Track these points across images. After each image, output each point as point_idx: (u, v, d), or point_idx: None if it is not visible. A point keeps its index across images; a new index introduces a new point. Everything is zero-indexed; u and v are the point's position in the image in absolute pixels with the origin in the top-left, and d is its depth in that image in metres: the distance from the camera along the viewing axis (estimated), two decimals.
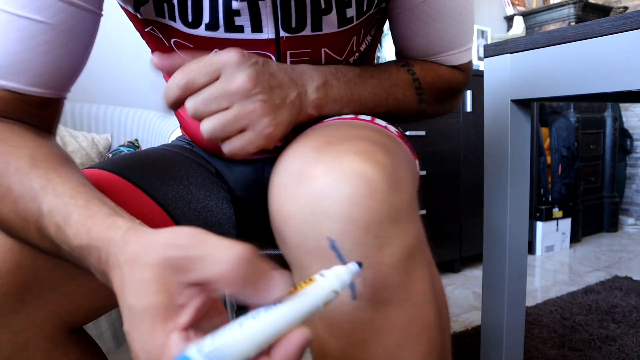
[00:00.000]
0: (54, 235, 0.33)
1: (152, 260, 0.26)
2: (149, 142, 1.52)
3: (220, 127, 0.38)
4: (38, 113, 0.42)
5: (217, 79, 0.38)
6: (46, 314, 0.41)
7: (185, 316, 0.26)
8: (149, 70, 1.70)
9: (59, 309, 0.42)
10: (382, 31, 0.61)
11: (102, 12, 0.44)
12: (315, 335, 0.35)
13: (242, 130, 0.39)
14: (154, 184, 0.53)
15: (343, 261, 0.32)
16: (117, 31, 1.31)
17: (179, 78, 0.38)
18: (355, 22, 0.50)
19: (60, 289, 0.42)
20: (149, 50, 0.55)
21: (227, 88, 0.38)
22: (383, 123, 0.49)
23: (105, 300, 0.46)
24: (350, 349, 0.34)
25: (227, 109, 0.38)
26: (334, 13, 0.48)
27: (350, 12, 0.49)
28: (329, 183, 0.33)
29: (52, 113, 0.44)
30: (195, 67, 0.38)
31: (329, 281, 0.28)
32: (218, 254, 0.25)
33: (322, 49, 0.51)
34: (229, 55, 0.38)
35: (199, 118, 0.39)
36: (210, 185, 0.59)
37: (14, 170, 0.36)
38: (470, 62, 0.61)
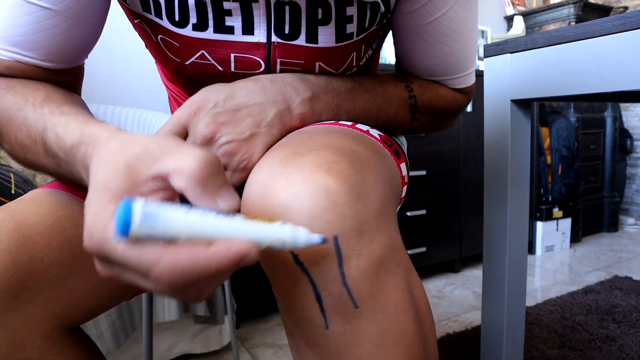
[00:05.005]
0: (54, 145, 0.37)
1: (129, 152, 0.29)
2: None
3: None
4: (58, 78, 0.46)
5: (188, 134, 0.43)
6: (43, 313, 0.41)
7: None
8: (148, 71, 1.70)
9: (56, 308, 0.42)
10: (383, 42, 0.59)
11: None
12: (295, 344, 0.37)
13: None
14: None
15: (308, 275, 0.32)
16: (116, 31, 1.31)
17: None
18: (355, 39, 0.48)
19: (57, 288, 0.42)
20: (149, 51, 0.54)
21: (194, 142, 0.43)
22: (365, 127, 0.48)
23: (103, 300, 0.46)
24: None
25: None
26: (332, 26, 0.46)
27: (351, 27, 0.47)
28: (288, 197, 0.32)
29: (72, 77, 0.48)
30: (166, 130, 0.43)
31: (282, 230, 0.29)
32: (186, 152, 0.28)
33: (317, 63, 0.49)
34: (187, 112, 0.43)
35: None
36: None
37: (30, 105, 0.41)
38: (472, 85, 0.59)
